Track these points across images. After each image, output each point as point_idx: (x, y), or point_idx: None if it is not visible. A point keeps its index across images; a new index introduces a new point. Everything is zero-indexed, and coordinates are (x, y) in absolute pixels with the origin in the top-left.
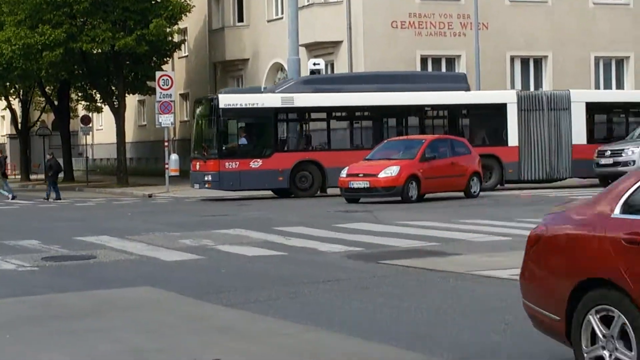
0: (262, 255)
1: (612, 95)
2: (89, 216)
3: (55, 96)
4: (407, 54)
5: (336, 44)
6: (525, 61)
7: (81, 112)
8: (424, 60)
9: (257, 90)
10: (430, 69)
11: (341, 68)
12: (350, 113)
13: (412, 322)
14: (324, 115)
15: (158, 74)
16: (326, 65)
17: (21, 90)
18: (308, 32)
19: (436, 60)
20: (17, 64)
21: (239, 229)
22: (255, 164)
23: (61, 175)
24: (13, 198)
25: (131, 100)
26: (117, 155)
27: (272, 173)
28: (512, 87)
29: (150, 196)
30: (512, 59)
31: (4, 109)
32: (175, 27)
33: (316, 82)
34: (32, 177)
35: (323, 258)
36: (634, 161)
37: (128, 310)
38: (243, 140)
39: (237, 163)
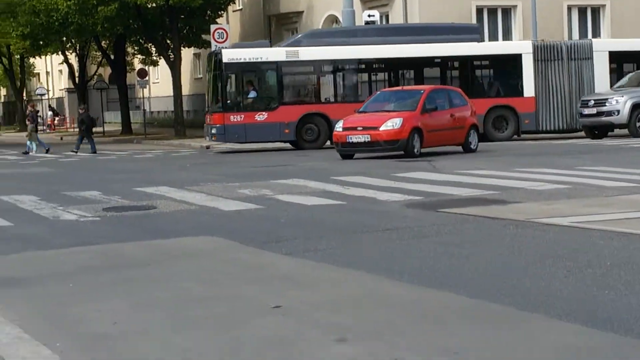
0: (321, 204)
1: (636, 45)
2: (147, 168)
3: (111, 50)
4: (462, 5)
5: None
6: (582, 10)
7: (137, 65)
8: (479, 11)
9: (265, 45)
10: (486, 20)
11: (396, 20)
12: (357, 66)
13: (472, 269)
14: (329, 68)
15: (213, 27)
16: (380, 17)
17: (78, 45)
18: None
19: (492, 11)
20: (72, 19)
21: (297, 179)
22: (261, 117)
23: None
24: (47, 151)
25: (187, 53)
26: (174, 107)
27: (277, 126)
28: (570, 37)
29: (207, 148)
30: (570, 8)
31: (61, 63)
32: None
33: (324, 35)
34: None
35: (382, 207)
36: (618, 111)
37: (188, 260)
38: (252, 94)
39: (243, 116)
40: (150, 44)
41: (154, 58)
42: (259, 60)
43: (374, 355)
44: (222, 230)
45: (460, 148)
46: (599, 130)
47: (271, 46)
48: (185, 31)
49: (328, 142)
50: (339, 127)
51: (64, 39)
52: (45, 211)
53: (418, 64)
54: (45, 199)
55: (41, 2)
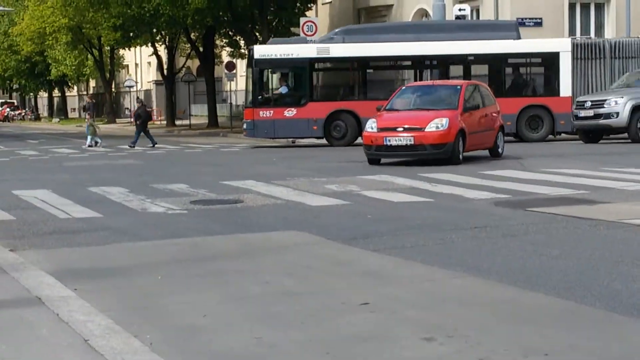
0: (408, 201)
1: None
2: (233, 161)
3: (200, 42)
4: None
5: None
6: None
7: (225, 58)
8: (572, 5)
9: (303, 40)
10: (578, 14)
11: (487, 14)
12: (388, 63)
13: (562, 270)
14: (360, 65)
15: (302, 20)
16: (471, 11)
17: (167, 37)
18: None
19: (585, 5)
20: (163, 11)
21: (384, 175)
22: (290, 112)
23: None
24: (96, 144)
25: None
26: None
27: (306, 122)
28: None
29: (293, 142)
30: None
31: (151, 55)
32: None
33: (356, 32)
34: (177, 122)
35: (470, 205)
36: (617, 113)
37: (276, 254)
38: (284, 89)
39: (272, 112)
40: (239, 37)
41: (243, 51)
42: (290, 56)
43: (462, 355)
44: (309, 225)
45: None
46: (595, 134)
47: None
48: (274, 24)
49: (359, 139)
50: (372, 127)
51: (154, 30)
52: (134, 203)
53: (451, 62)
54: (133, 191)
55: None
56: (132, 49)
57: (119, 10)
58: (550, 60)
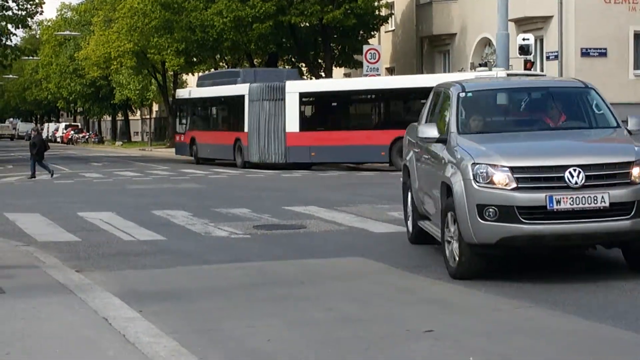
0: None
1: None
2: (295, 187)
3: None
4: (620, 29)
5: (546, 19)
6: None
7: None
8: (637, 36)
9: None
10: None
11: (551, 44)
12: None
13: (629, 302)
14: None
15: (365, 47)
16: (535, 41)
17: (230, 62)
18: (518, 7)
19: None
20: (227, 36)
21: None
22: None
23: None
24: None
25: (338, 73)
26: None
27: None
28: None
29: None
30: None
31: None
32: (383, 0)
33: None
34: None
35: None
36: None
37: (338, 280)
38: None
39: None
40: (302, 63)
41: (305, 77)
42: None
43: None
44: (372, 252)
45: None
46: None
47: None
48: (337, 51)
49: None
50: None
51: (218, 56)
52: (197, 227)
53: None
54: (196, 215)
55: (197, 18)
56: (196, 73)
57: (183, 35)
58: None
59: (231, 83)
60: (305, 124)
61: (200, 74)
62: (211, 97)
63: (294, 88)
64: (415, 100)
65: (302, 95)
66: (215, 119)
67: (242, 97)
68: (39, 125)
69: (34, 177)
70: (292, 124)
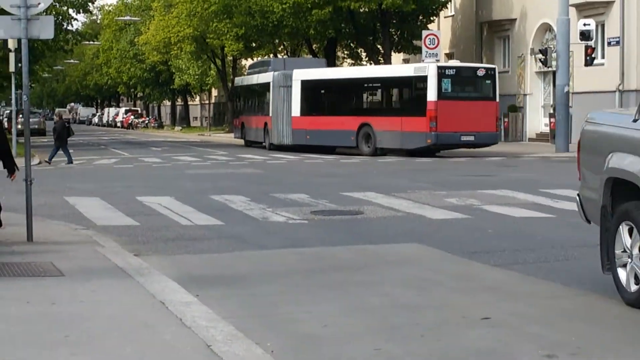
0: (530, 217)
1: None
2: (353, 173)
3: (321, 53)
4: None
5: (608, 4)
6: None
7: None
8: None
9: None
10: None
11: (612, 30)
12: None
13: None
14: None
15: (424, 33)
16: (596, 26)
17: (289, 48)
18: None
19: None
20: (287, 22)
21: (504, 190)
22: None
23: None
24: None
25: (397, 58)
26: None
27: None
28: None
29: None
30: None
31: None
32: None
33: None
34: None
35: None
36: None
37: (396, 266)
38: None
39: None
40: (360, 49)
41: (364, 62)
42: None
43: None
44: (429, 238)
45: None
46: None
47: None
48: (396, 36)
49: None
50: None
51: (277, 41)
52: (255, 212)
53: None
54: (254, 200)
55: (257, 3)
56: (255, 58)
57: (243, 20)
58: None
59: (264, 72)
60: (304, 109)
61: (259, 58)
62: (252, 85)
63: (298, 76)
64: (381, 90)
65: (302, 82)
66: (254, 105)
67: (269, 84)
68: (63, 109)
69: (49, 162)
70: (296, 109)
